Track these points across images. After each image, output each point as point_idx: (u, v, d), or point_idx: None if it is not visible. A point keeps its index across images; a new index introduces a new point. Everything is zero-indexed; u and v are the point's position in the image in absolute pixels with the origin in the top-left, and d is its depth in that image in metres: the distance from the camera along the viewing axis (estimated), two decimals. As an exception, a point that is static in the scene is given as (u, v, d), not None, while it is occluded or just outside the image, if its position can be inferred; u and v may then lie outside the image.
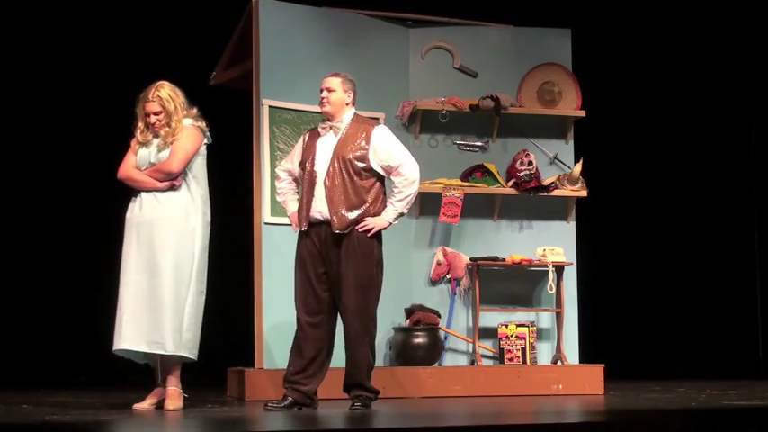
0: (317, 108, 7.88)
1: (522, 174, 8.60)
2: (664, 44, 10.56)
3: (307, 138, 6.81)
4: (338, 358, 6.76)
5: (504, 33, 8.94)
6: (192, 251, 6.60)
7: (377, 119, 8.33)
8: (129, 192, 6.73)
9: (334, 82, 6.73)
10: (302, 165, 6.73)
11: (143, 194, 6.65)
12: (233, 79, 8.72)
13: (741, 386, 8.48)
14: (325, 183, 6.60)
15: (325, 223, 6.59)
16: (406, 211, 6.73)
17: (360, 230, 6.56)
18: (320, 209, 6.60)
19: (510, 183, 8.64)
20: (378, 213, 6.63)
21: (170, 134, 6.65)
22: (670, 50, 10.60)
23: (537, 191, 8.62)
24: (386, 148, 6.66)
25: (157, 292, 6.50)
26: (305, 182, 6.69)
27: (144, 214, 6.61)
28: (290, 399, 6.59)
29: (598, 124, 9.29)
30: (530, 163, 8.62)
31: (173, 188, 6.62)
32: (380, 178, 6.71)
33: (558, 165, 8.83)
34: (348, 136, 6.66)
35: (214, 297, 9.60)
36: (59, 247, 9.83)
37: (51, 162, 9.89)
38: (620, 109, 10.45)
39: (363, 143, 6.63)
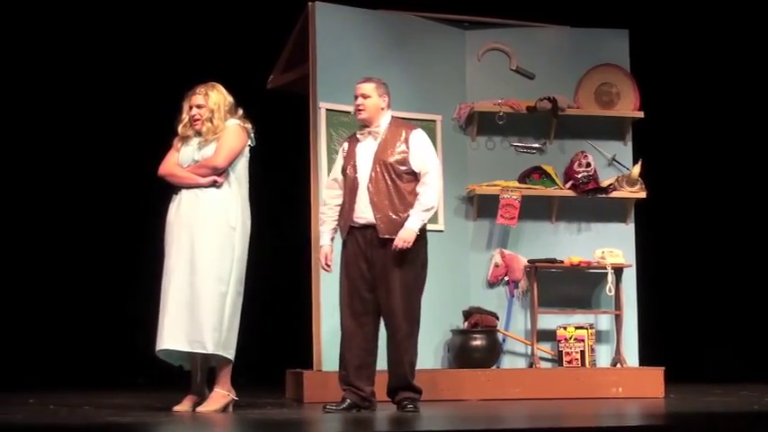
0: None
1: (580, 175, 8.55)
2: (723, 44, 10.45)
3: (346, 146, 6.80)
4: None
5: (562, 34, 8.90)
6: (231, 251, 6.55)
7: (434, 121, 8.35)
8: (171, 190, 6.70)
9: (369, 88, 6.70)
10: (343, 171, 6.73)
11: (183, 193, 6.61)
12: (290, 83, 8.75)
13: (804, 389, 8.38)
14: (368, 188, 6.58)
15: (370, 227, 6.59)
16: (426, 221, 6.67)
17: (397, 249, 6.49)
18: (364, 214, 6.58)
19: (568, 184, 8.59)
20: None
21: (211, 131, 6.61)
22: (730, 50, 10.49)
23: (595, 192, 8.58)
24: (422, 153, 6.64)
25: (198, 290, 6.45)
26: (347, 188, 6.67)
27: (184, 213, 6.56)
28: (349, 401, 6.60)
29: (657, 125, 9.22)
30: (588, 164, 8.58)
31: (214, 185, 6.58)
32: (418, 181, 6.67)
33: (616, 166, 8.77)
34: (387, 140, 6.65)
35: (273, 299, 9.70)
36: (123, 250, 9.92)
37: (101, 164, 10.01)
38: (680, 110, 10.36)
39: (403, 146, 6.62)
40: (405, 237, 6.52)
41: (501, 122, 8.58)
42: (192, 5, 9.92)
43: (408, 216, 6.54)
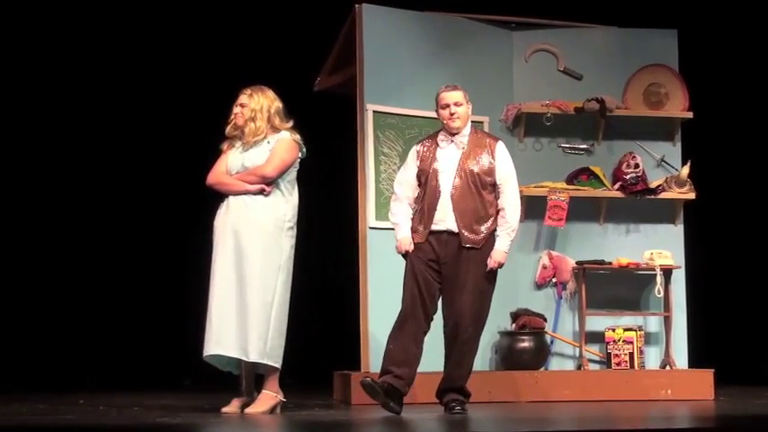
0: (420, 112, 7.90)
1: (628, 176, 8.51)
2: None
3: (423, 149, 6.72)
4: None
5: (609, 35, 8.86)
6: (278, 258, 6.58)
7: (482, 122, 8.33)
8: (219, 195, 6.74)
9: (459, 95, 6.63)
10: (420, 176, 6.68)
11: (231, 200, 6.64)
12: (337, 84, 8.77)
13: None
14: (452, 196, 6.55)
15: (445, 232, 6.57)
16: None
17: (489, 271, 6.56)
18: (445, 221, 6.56)
19: (616, 185, 8.55)
20: (495, 228, 6.61)
21: (252, 132, 6.65)
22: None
23: (644, 193, 8.53)
24: (506, 166, 6.65)
25: (244, 297, 6.49)
26: (427, 195, 6.61)
27: (231, 219, 6.59)
28: (388, 384, 6.50)
29: (706, 126, 9.15)
30: (636, 165, 8.53)
31: (262, 193, 6.62)
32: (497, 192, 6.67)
33: (665, 167, 8.72)
34: (471, 149, 6.62)
35: (321, 301, 9.72)
36: (171, 253, 9.97)
37: (153, 169, 10.07)
38: (730, 110, 10.26)
39: (489, 157, 6.61)
40: (499, 259, 6.60)
41: (548, 123, 8.55)
42: (240, 8, 9.96)
43: (489, 226, 6.56)
